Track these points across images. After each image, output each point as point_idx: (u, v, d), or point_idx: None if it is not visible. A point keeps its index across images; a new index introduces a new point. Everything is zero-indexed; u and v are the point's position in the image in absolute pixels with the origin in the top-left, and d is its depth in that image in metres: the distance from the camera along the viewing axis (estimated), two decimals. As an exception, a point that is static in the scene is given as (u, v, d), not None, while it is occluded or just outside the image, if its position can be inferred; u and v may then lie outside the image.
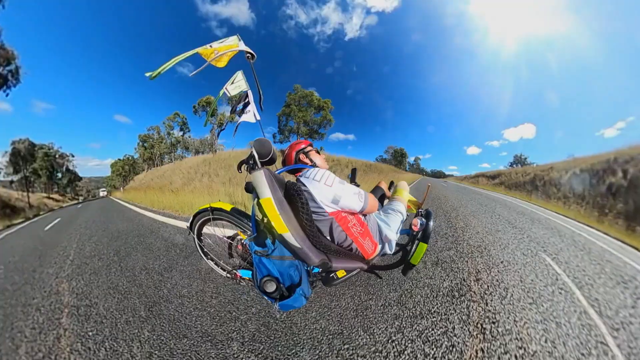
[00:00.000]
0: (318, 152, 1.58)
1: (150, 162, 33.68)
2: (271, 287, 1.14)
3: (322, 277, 1.42)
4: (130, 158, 38.21)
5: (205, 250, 1.79)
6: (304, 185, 1.19)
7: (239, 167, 1.28)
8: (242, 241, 1.50)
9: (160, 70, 1.15)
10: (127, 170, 37.05)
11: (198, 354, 1.29)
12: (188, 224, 1.66)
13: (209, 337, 1.41)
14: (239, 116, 1.36)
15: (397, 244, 1.53)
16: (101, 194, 34.28)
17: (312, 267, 1.35)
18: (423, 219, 1.48)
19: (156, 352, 1.29)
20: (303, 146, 1.53)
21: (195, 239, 1.70)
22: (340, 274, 1.39)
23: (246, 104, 1.35)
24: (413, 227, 1.49)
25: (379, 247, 1.42)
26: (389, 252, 1.47)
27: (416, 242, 1.48)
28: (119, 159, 38.79)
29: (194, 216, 1.62)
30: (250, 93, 1.35)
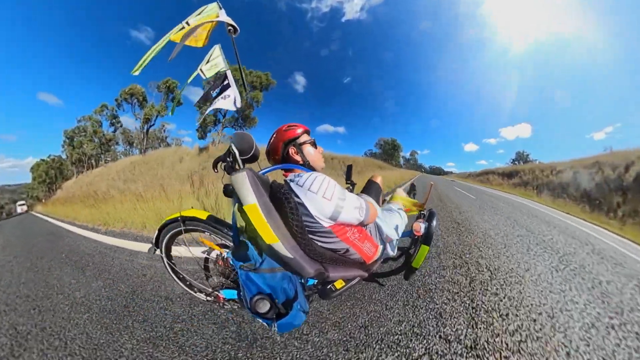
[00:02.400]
0: (314, 145, 1.45)
1: (80, 164, 31.25)
2: (265, 307, 1.13)
3: (318, 290, 1.46)
4: (56, 159, 35.06)
5: (177, 270, 1.70)
6: (297, 197, 1.16)
7: (215, 166, 1.25)
8: (223, 255, 1.45)
9: (141, 63, 1.11)
10: (54, 175, 33.94)
11: None
12: (152, 241, 1.58)
13: None
14: (214, 102, 1.33)
15: (398, 248, 1.62)
16: (18, 209, 30.81)
17: (305, 279, 1.38)
18: (426, 222, 1.58)
19: None
20: (296, 134, 1.38)
21: (164, 258, 1.61)
22: (339, 284, 1.43)
23: (224, 87, 1.29)
24: (415, 231, 1.57)
25: (380, 248, 1.46)
26: (391, 253, 1.52)
27: (418, 244, 1.60)
28: (42, 160, 35.25)
29: (160, 229, 1.54)
30: (229, 74, 1.28)
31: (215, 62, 1.29)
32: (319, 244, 1.26)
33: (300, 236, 1.14)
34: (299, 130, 1.40)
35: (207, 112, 1.35)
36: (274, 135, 1.41)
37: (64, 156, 33.80)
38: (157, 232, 1.56)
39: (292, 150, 1.38)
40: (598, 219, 8.54)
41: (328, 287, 1.43)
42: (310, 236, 1.21)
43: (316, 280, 1.44)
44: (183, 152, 21.49)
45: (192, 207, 1.64)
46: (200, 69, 1.30)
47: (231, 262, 1.31)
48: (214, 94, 1.33)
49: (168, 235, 1.55)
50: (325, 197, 1.12)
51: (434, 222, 1.58)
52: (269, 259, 1.18)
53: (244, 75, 1.31)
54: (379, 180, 1.93)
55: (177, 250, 1.69)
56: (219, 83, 1.31)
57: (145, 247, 3.04)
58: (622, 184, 11.63)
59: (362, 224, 1.30)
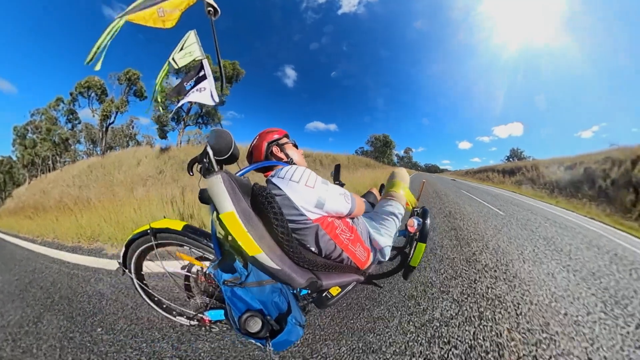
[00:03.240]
0: (296, 146, 1.59)
1: (33, 167, 29.31)
2: (256, 325, 1.09)
3: (313, 299, 1.45)
4: (5, 161, 32.81)
5: (151, 292, 1.57)
6: (278, 188, 1.16)
7: (190, 168, 1.19)
8: (204, 270, 1.38)
9: (95, 51, 1.00)
10: (2, 180, 31.86)
11: None
12: (119, 260, 1.46)
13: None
14: (188, 95, 1.22)
15: (393, 248, 1.67)
16: None
17: (299, 289, 1.35)
18: (419, 218, 1.65)
19: None
20: (277, 136, 1.49)
21: (134, 279, 1.48)
22: (334, 291, 1.44)
23: (200, 79, 1.21)
24: (409, 228, 1.64)
25: (372, 254, 1.50)
26: (386, 257, 1.56)
27: (414, 243, 1.67)
28: (-13, 161, 32.17)
29: (127, 245, 1.43)
30: (206, 63, 1.20)
31: (189, 50, 1.17)
32: (308, 247, 1.27)
33: (287, 244, 1.11)
34: (281, 133, 1.53)
35: (180, 105, 1.29)
36: (257, 137, 1.50)
37: (14, 157, 31.64)
38: (124, 248, 1.44)
39: (275, 150, 1.47)
40: (631, 226, 7.59)
41: (323, 294, 1.42)
42: (298, 237, 1.22)
43: (310, 290, 1.43)
44: (142, 153, 20.49)
45: (164, 217, 1.58)
46: (172, 58, 1.19)
47: (214, 278, 1.27)
48: (187, 85, 1.25)
49: (137, 252, 1.44)
50: (308, 185, 1.16)
51: (428, 220, 1.66)
52: (255, 270, 1.14)
53: (222, 65, 1.23)
54: (375, 192, 2.13)
55: (150, 268, 1.58)
56: (194, 74, 1.23)
57: (60, 254, 3.72)
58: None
59: (350, 215, 1.34)
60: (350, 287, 1.49)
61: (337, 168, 2.20)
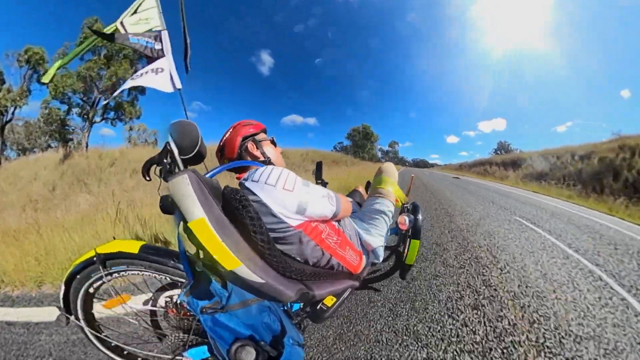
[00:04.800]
0: (274, 144, 1.59)
1: None
2: (249, 356, 1.06)
3: (307, 314, 1.45)
4: None
5: (108, 340, 1.39)
6: (253, 194, 1.14)
7: (146, 171, 1.11)
8: (175, 300, 1.29)
9: (57, 68, 0.90)
10: None
11: None
12: (59, 304, 1.28)
13: None
14: (139, 75, 1.12)
15: (387, 247, 1.75)
16: None
17: (289, 305, 1.39)
18: (410, 215, 1.77)
19: None
20: (253, 131, 1.47)
21: (84, 327, 1.31)
22: (329, 301, 1.47)
23: (156, 54, 1.14)
24: (400, 225, 1.76)
25: (365, 256, 1.58)
26: (379, 258, 1.66)
27: (407, 240, 1.80)
28: None
29: (67, 282, 1.25)
30: (166, 37, 1.13)
31: (146, 16, 1.06)
32: (294, 255, 1.29)
33: (269, 252, 1.09)
34: (259, 127, 1.54)
35: (123, 89, 1.20)
36: (230, 130, 1.48)
37: None
38: (63, 287, 1.24)
39: (250, 146, 1.47)
40: None
41: (318, 307, 1.44)
42: (280, 247, 1.20)
43: (302, 304, 1.47)
44: (44, 162, 17.74)
45: (114, 238, 1.49)
46: (121, 22, 1.09)
47: (189, 307, 1.20)
48: (140, 65, 1.19)
49: (83, 289, 1.26)
50: (286, 189, 1.16)
51: (420, 215, 1.81)
52: (237, 289, 1.11)
53: (187, 42, 1.17)
54: (361, 190, 2.25)
55: (103, 309, 1.40)
56: (150, 47, 1.15)
57: None
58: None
59: (335, 217, 1.38)
60: (346, 295, 1.54)
61: (319, 166, 2.25)
